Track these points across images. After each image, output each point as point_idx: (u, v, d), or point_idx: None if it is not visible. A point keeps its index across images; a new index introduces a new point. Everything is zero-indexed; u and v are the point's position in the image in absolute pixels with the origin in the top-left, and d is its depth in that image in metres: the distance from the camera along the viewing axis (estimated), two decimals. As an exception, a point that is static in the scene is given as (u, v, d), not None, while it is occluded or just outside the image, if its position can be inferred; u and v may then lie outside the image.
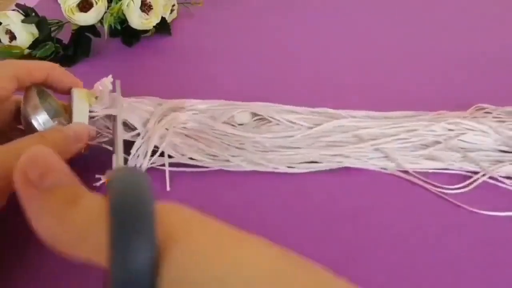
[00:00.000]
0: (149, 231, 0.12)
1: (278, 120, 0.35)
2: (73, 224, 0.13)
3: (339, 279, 0.13)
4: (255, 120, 0.36)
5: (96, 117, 0.31)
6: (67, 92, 0.31)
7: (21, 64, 0.28)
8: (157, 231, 0.12)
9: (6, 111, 0.29)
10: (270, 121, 0.36)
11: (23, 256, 0.26)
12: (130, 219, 0.12)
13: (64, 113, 0.29)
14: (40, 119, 0.27)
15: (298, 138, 0.34)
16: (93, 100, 0.31)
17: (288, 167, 0.32)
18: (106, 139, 0.31)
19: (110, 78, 0.32)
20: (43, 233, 0.14)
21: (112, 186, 0.13)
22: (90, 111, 0.30)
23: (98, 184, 0.30)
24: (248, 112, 0.36)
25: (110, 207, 0.12)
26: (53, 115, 0.28)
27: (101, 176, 0.30)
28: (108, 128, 0.32)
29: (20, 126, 0.29)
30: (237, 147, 0.33)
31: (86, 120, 0.29)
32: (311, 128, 0.35)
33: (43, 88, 0.29)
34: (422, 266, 0.26)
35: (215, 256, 0.12)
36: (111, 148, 0.31)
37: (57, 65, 0.30)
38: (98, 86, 0.31)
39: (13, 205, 0.28)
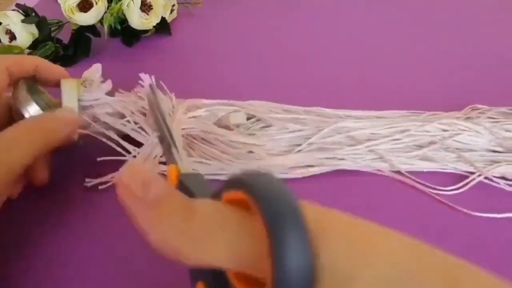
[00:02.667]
0: (305, 228, 0.13)
1: (271, 123, 0.35)
2: (193, 232, 0.13)
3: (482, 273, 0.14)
4: (251, 122, 0.36)
5: (89, 105, 0.31)
6: (57, 85, 0.31)
7: (9, 57, 0.29)
8: (309, 228, 0.13)
9: (1, 106, 0.29)
10: (265, 122, 0.35)
11: (23, 256, 0.26)
12: (288, 219, 0.12)
13: (55, 106, 0.29)
14: (31, 111, 0.27)
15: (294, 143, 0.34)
16: (82, 88, 0.31)
17: (281, 173, 0.32)
18: (101, 129, 0.31)
19: (98, 65, 0.32)
20: (162, 245, 0.14)
21: (256, 190, 0.13)
22: (79, 100, 0.30)
23: (88, 185, 0.30)
24: (243, 113, 0.35)
25: (264, 211, 0.13)
26: (43, 107, 0.28)
27: (113, 176, 0.30)
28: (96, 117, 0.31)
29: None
30: (229, 156, 0.33)
31: (75, 106, 0.29)
32: (303, 130, 0.35)
33: (33, 83, 0.29)
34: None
35: (365, 243, 0.13)
36: (104, 140, 0.31)
37: (44, 59, 0.31)
38: (87, 74, 0.31)
39: (12, 205, 0.28)
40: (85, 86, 0.31)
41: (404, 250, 0.14)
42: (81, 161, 0.32)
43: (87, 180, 0.30)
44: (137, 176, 0.14)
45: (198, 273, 0.17)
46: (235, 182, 0.14)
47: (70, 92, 0.30)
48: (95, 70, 0.32)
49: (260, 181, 0.14)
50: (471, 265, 0.14)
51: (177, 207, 0.14)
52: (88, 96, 0.31)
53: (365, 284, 0.12)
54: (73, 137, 0.29)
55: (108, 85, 0.33)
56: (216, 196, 0.16)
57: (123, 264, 0.26)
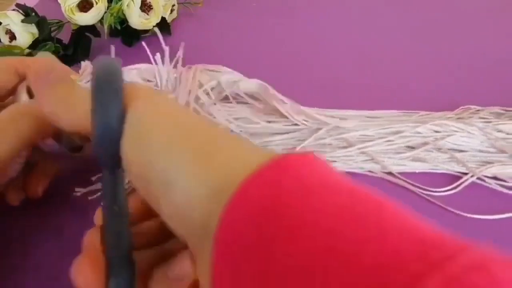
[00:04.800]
0: (119, 93, 0.17)
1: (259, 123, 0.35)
2: (69, 102, 0.19)
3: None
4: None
5: None
6: None
7: (17, 58, 0.29)
8: (123, 93, 0.17)
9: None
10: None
11: (23, 256, 0.26)
12: (107, 84, 0.17)
13: None
14: None
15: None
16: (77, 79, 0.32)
17: None
18: None
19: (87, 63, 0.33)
20: (47, 110, 0.19)
21: (95, 65, 0.18)
22: None
23: (78, 194, 0.30)
24: (256, 82, 0.36)
25: (92, 78, 0.17)
26: None
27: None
28: None
29: None
30: None
31: None
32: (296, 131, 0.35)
33: None
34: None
35: (164, 112, 0.17)
36: None
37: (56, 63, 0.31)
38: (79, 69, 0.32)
39: (12, 206, 0.28)
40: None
41: (187, 120, 0.18)
42: (71, 166, 0.32)
43: (76, 189, 0.30)
44: (46, 63, 0.22)
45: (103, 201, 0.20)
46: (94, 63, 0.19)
47: None
48: (86, 64, 0.32)
49: (101, 60, 0.18)
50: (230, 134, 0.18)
51: (65, 88, 0.19)
52: (83, 83, 0.30)
53: (158, 134, 0.16)
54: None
55: None
56: None
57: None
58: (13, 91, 0.28)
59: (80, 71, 0.31)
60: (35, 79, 0.20)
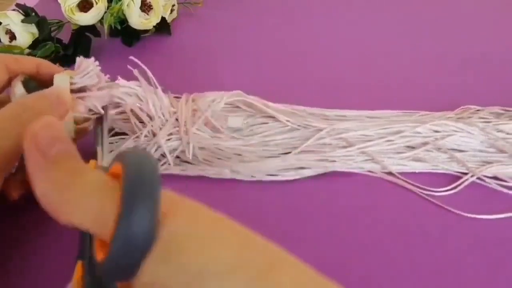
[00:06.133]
0: (154, 200, 0.14)
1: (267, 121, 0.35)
2: (73, 193, 0.15)
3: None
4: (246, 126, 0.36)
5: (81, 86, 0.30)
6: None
7: (10, 55, 0.28)
8: (160, 203, 0.14)
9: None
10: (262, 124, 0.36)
11: (23, 256, 0.26)
12: (141, 187, 0.14)
13: None
14: None
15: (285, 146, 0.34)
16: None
17: (269, 175, 0.32)
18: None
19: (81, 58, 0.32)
20: (42, 197, 0.15)
21: (126, 160, 0.15)
22: (71, 83, 0.29)
23: None
24: (241, 118, 0.36)
25: (125, 176, 0.14)
26: None
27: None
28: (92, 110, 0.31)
29: None
30: (218, 157, 0.33)
31: (67, 87, 0.28)
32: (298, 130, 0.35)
33: (30, 79, 0.29)
34: (408, 269, 0.26)
35: (204, 240, 0.14)
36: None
37: (45, 60, 0.30)
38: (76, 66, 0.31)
39: (11, 206, 0.28)
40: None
41: (234, 239, 0.15)
42: None
43: None
44: (48, 130, 0.15)
45: (81, 253, 0.18)
46: (118, 156, 0.16)
47: (61, 76, 0.29)
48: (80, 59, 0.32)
49: (133, 155, 0.15)
50: (290, 257, 0.15)
51: (68, 169, 0.15)
52: (79, 78, 0.30)
53: (186, 260, 0.14)
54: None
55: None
56: (106, 169, 0.17)
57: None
58: (2, 89, 0.28)
59: (75, 67, 0.31)
60: (33, 150, 0.15)
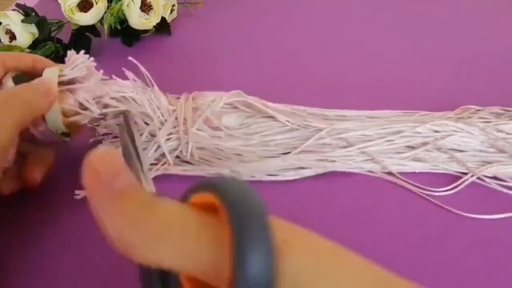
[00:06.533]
0: (269, 237, 0.13)
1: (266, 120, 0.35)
2: (151, 228, 0.13)
3: None
4: (242, 123, 0.36)
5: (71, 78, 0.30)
6: None
7: (6, 52, 0.29)
8: (274, 240, 0.13)
9: None
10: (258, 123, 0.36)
11: (23, 256, 0.26)
12: (253, 225, 0.13)
13: None
14: None
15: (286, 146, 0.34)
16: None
17: (269, 175, 0.32)
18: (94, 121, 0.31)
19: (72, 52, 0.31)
20: (116, 235, 0.13)
21: (228, 195, 0.13)
22: (60, 76, 0.29)
23: (78, 197, 0.29)
24: (235, 116, 0.35)
25: (232, 215, 0.13)
26: None
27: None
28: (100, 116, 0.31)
29: None
30: (218, 157, 0.33)
31: (55, 79, 0.29)
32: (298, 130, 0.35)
33: (21, 75, 0.29)
34: (408, 269, 0.26)
35: (329, 262, 0.13)
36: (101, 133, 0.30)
37: (40, 56, 0.31)
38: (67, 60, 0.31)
39: (10, 205, 0.28)
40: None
41: (366, 274, 0.14)
42: (71, 167, 0.32)
43: (76, 192, 0.30)
44: (108, 163, 0.14)
45: (149, 272, 0.16)
46: (206, 185, 0.14)
47: (51, 70, 0.29)
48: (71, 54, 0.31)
49: (232, 186, 0.14)
50: None
51: (139, 202, 0.13)
52: (68, 71, 0.30)
53: None
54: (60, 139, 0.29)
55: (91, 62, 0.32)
56: (183, 199, 0.15)
57: (110, 279, 0.25)
58: None
59: (66, 60, 0.31)
60: (95, 184, 0.13)
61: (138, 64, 0.34)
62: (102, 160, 0.14)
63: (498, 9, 0.61)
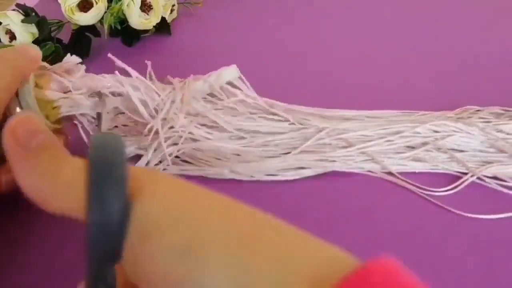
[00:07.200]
0: (122, 183, 0.14)
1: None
2: (58, 180, 0.15)
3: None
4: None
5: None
6: None
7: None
8: (128, 183, 0.14)
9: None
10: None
11: (22, 256, 0.26)
12: (106, 172, 0.14)
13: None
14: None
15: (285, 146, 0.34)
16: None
17: (269, 175, 0.32)
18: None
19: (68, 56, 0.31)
20: (28, 189, 0.15)
21: (91, 146, 0.15)
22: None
23: None
24: (235, 68, 0.37)
25: (89, 162, 0.14)
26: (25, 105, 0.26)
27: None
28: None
29: None
30: (218, 157, 0.33)
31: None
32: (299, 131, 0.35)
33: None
34: (408, 269, 0.26)
35: (177, 206, 0.14)
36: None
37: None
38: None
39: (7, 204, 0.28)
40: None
41: (213, 214, 0.15)
42: None
43: None
44: (26, 125, 0.15)
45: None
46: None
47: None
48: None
49: (99, 138, 0.15)
50: (276, 222, 0.15)
51: (51, 157, 0.15)
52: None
53: (169, 240, 0.13)
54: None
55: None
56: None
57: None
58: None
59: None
60: (13, 145, 0.15)
61: (115, 59, 0.34)
62: (20, 122, 0.15)
63: (498, 9, 0.61)
